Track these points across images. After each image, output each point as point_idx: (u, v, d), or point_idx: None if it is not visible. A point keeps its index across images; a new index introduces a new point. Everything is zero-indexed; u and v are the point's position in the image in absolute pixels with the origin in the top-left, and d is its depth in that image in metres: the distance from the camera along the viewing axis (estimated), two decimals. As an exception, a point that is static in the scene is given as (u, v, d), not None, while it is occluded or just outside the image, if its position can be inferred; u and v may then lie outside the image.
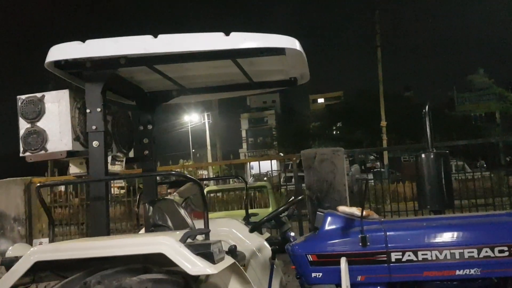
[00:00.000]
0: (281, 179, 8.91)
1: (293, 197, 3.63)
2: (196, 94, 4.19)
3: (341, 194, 5.29)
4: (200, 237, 2.79)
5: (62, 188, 9.34)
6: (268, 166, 7.12)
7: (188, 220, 3.77)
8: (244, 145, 67.61)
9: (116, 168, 3.93)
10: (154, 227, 3.40)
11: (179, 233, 2.62)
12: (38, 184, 3.00)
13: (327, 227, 3.20)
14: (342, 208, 3.33)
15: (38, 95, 3.36)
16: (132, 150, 4.15)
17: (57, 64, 3.20)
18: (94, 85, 3.21)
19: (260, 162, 7.03)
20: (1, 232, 6.36)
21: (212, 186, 7.66)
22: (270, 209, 7.07)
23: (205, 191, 7.88)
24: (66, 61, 3.20)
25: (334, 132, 40.15)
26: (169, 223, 3.38)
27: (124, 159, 4.00)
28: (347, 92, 45.33)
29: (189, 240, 2.61)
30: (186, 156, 48.61)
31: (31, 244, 6.11)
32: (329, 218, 3.22)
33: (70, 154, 3.32)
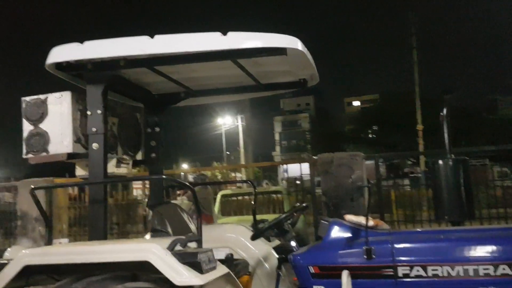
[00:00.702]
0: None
1: (297, 204, 3.48)
2: (204, 96, 4.11)
3: (359, 201, 5.08)
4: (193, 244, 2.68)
5: None
6: (303, 169, 6.91)
7: (191, 225, 3.68)
8: (277, 148, 67.43)
9: (122, 170, 3.89)
10: (153, 232, 3.32)
11: (168, 240, 2.52)
12: (32, 187, 2.97)
13: (331, 237, 3.04)
14: (349, 217, 3.16)
15: (42, 97, 3.35)
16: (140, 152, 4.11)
17: (59, 66, 3.18)
18: (94, 86, 3.17)
19: (294, 165, 6.90)
20: (23, 232, 6.47)
21: (226, 190, 7.56)
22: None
23: (219, 195, 7.90)
24: (68, 63, 3.18)
25: (370, 136, 39.45)
26: (169, 228, 3.29)
27: (131, 162, 3.96)
28: (383, 94, 44.36)
29: (178, 248, 2.51)
30: (220, 159, 48.88)
31: (50, 244, 6.10)
32: (333, 228, 3.05)
33: (71, 156, 3.29)
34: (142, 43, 2.92)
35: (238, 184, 7.24)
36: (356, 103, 67.90)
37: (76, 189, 9.37)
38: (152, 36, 2.91)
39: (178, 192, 4.85)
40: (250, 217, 4.72)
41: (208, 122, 47.84)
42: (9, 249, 3.14)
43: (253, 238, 3.30)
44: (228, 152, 50.12)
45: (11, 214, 7.29)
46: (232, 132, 46.41)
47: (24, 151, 3.33)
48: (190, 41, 2.87)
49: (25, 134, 3.33)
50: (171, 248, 2.44)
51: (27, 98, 3.36)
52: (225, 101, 4.40)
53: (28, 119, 3.33)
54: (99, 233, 3.09)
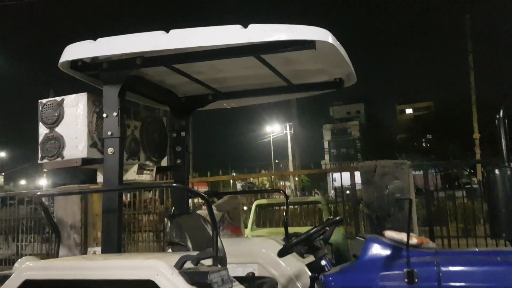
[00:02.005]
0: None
1: (331, 217, 3.11)
2: (232, 98, 3.84)
3: (406, 213, 4.62)
4: (206, 261, 2.38)
5: (150, 194, 9.43)
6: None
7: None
8: (326, 156, 66.40)
9: (145, 177, 3.67)
10: (171, 245, 3.06)
11: (178, 256, 2.24)
12: (38, 193, 2.79)
13: (367, 256, 2.66)
14: (389, 233, 2.77)
15: (58, 99, 3.19)
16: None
17: (74, 65, 3.00)
18: (111, 87, 2.97)
19: (344, 174, 6.54)
20: (58, 239, 6.41)
21: (261, 200, 7.21)
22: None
23: (254, 205, 7.58)
24: (83, 62, 2.99)
25: (424, 145, 38.06)
26: (188, 241, 3.01)
27: (155, 168, 3.74)
28: (438, 102, 42.72)
29: (189, 265, 2.23)
30: (268, 167, 48.70)
31: (85, 252, 5.95)
32: (370, 245, 2.68)
33: (86, 161, 3.09)
34: (156, 38, 2.68)
35: (275, 194, 6.84)
36: (409, 110, 65.91)
37: (129, 195, 9.37)
38: (167, 31, 2.67)
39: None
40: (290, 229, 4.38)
41: (257, 130, 47.87)
42: (19, 259, 2.97)
43: (280, 254, 2.96)
44: (276, 161, 49.88)
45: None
46: (281, 140, 46.21)
47: (40, 156, 3.17)
48: (207, 35, 2.61)
49: (40, 138, 3.17)
50: (179, 266, 2.16)
51: (44, 100, 3.21)
52: (255, 103, 4.11)
53: (44, 123, 3.17)
54: (113, 245, 2.87)
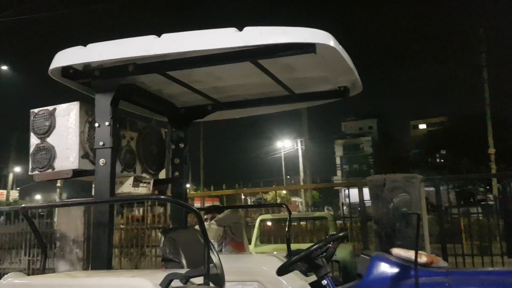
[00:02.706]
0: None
1: (334, 233, 2.92)
2: (232, 108, 3.69)
3: (414, 229, 4.39)
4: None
5: (162, 209, 9.31)
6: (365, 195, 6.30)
7: (214, 255, 3.21)
8: (339, 172, 65.81)
9: (141, 190, 3.52)
10: (164, 262, 2.89)
11: (163, 275, 2.07)
12: (23, 205, 2.64)
13: (372, 276, 2.47)
14: (396, 251, 2.57)
15: (50, 108, 3.08)
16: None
17: (65, 73, 2.88)
18: (103, 96, 2.84)
19: (353, 190, 6.35)
20: (61, 254, 6.29)
21: (266, 215, 6.99)
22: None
23: (257, 220, 7.37)
24: (74, 69, 2.88)
25: (437, 160, 37.53)
26: (182, 258, 2.85)
27: (152, 181, 3.59)
28: (452, 117, 42.24)
29: (177, 284, 2.05)
30: (279, 183, 48.39)
31: (88, 267, 5.75)
32: (376, 264, 2.49)
33: (77, 173, 2.96)
34: (147, 43, 2.56)
35: (281, 209, 6.63)
36: (422, 126, 65.22)
37: (141, 210, 9.23)
38: (159, 35, 2.54)
39: (205, 216, 4.43)
40: (292, 246, 4.19)
41: (268, 145, 47.73)
42: (5, 275, 2.82)
43: (279, 273, 2.77)
44: (288, 176, 49.55)
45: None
46: (292, 156, 45.96)
47: (30, 167, 3.05)
48: (200, 39, 2.47)
49: (31, 149, 3.06)
50: (164, 285, 1.99)
51: (35, 110, 3.09)
52: (257, 114, 3.96)
53: (35, 133, 3.06)
54: (102, 261, 2.72)
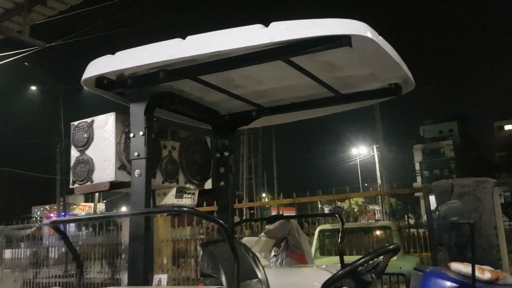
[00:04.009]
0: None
1: (386, 245, 2.61)
2: (277, 113, 3.50)
3: (490, 240, 3.90)
4: None
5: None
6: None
7: (259, 270, 3.02)
8: (418, 179, 62.96)
9: (185, 202, 3.42)
10: (202, 277, 2.74)
11: None
12: (54, 219, 2.61)
13: (426, 295, 2.15)
14: (455, 266, 2.25)
15: (89, 120, 3.06)
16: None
17: (100, 83, 2.86)
18: (137, 105, 2.79)
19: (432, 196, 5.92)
20: (126, 266, 6.37)
21: (325, 225, 6.61)
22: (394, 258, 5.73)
23: (316, 230, 7.03)
24: (108, 80, 2.85)
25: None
26: (222, 273, 2.68)
27: (196, 192, 3.49)
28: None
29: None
30: (355, 191, 47.23)
31: (151, 279, 5.77)
32: (429, 281, 2.18)
33: (114, 185, 2.91)
34: (172, 46, 2.46)
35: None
36: (508, 127, 60.96)
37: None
38: (184, 37, 2.43)
39: (267, 226, 4.24)
40: (354, 258, 3.89)
41: (342, 152, 46.81)
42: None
43: None
44: (366, 184, 48.20)
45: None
46: (368, 163, 44.71)
47: (71, 180, 3.05)
48: (224, 38, 2.32)
49: (72, 161, 3.05)
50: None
51: (76, 123, 3.09)
52: (304, 118, 3.73)
53: (75, 145, 3.05)
54: (139, 277, 2.64)
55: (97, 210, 44.15)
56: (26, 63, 24.23)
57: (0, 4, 7.16)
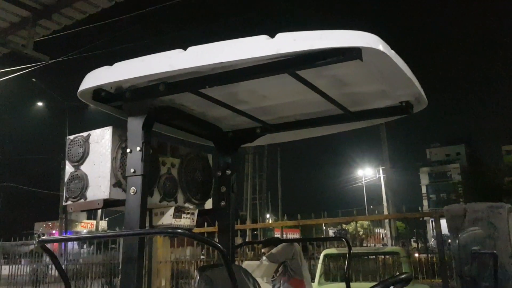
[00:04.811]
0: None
1: (397, 274, 2.43)
2: (283, 131, 3.36)
3: (506, 270, 3.69)
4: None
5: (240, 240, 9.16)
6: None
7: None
8: (425, 202, 62.35)
9: (184, 222, 3.25)
10: (198, 304, 2.56)
11: None
12: (42, 238, 2.45)
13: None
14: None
15: (85, 134, 2.92)
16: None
17: (97, 96, 2.73)
18: (135, 119, 2.65)
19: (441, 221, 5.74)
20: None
21: (331, 249, 6.37)
22: None
23: (321, 255, 6.79)
24: (106, 92, 2.72)
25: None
26: (219, 299, 2.50)
27: (196, 212, 3.32)
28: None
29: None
30: (360, 213, 46.84)
31: None
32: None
33: (107, 203, 2.75)
34: (173, 57, 2.33)
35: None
36: (517, 151, 60.60)
37: None
38: (185, 48, 2.30)
39: (263, 250, 4.06)
40: (363, 285, 3.70)
41: (348, 173, 46.53)
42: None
43: None
44: (371, 206, 47.76)
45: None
46: (374, 185, 44.38)
47: (64, 197, 2.90)
48: (227, 49, 2.19)
49: (66, 177, 2.91)
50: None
51: (71, 137, 2.95)
52: (311, 136, 3.59)
53: (70, 160, 2.91)
54: None
55: (99, 228, 43.87)
56: (33, 79, 24.37)
57: (5, 17, 7.15)
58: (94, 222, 44.50)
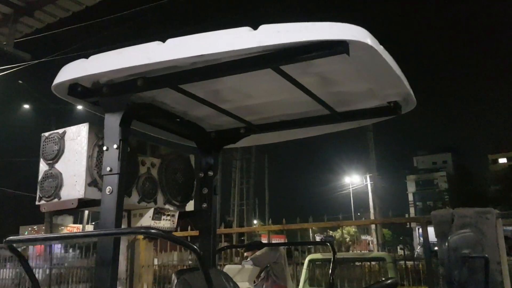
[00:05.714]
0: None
1: (382, 279, 2.34)
2: (267, 132, 3.26)
3: (493, 276, 3.62)
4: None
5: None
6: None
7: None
8: (412, 210, 62.67)
9: (163, 224, 3.14)
10: (175, 309, 2.44)
11: None
12: (8, 238, 2.30)
13: None
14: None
15: (60, 131, 2.79)
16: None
17: (72, 91, 2.60)
18: (111, 115, 2.53)
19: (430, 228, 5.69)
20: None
21: (316, 254, 6.26)
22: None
23: (306, 260, 6.70)
24: (82, 87, 2.60)
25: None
26: (196, 305, 2.39)
27: (176, 214, 3.21)
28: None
29: None
30: (348, 219, 46.86)
31: None
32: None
33: (82, 203, 2.63)
34: (150, 49, 2.22)
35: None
36: (503, 160, 61.20)
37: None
38: (164, 41, 2.20)
39: (245, 254, 3.95)
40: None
41: (335, 180, 46.54)
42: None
43: None
44: (358, 213, 47.83)
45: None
46: (361, 192, 44.44)
47: (37, 196, 2.76)
48: (207, 41, 2.09)
49: (40, 176, 2.77)
50: None
51: (46, 134, 2.83)
52: (296, 137, 3.50)
53: (44, 158, 2.78)
54: None
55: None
56: (20, 81, 24.02)
57: (-14, 15, 6.97)
58: (80, 226, 43.98)
